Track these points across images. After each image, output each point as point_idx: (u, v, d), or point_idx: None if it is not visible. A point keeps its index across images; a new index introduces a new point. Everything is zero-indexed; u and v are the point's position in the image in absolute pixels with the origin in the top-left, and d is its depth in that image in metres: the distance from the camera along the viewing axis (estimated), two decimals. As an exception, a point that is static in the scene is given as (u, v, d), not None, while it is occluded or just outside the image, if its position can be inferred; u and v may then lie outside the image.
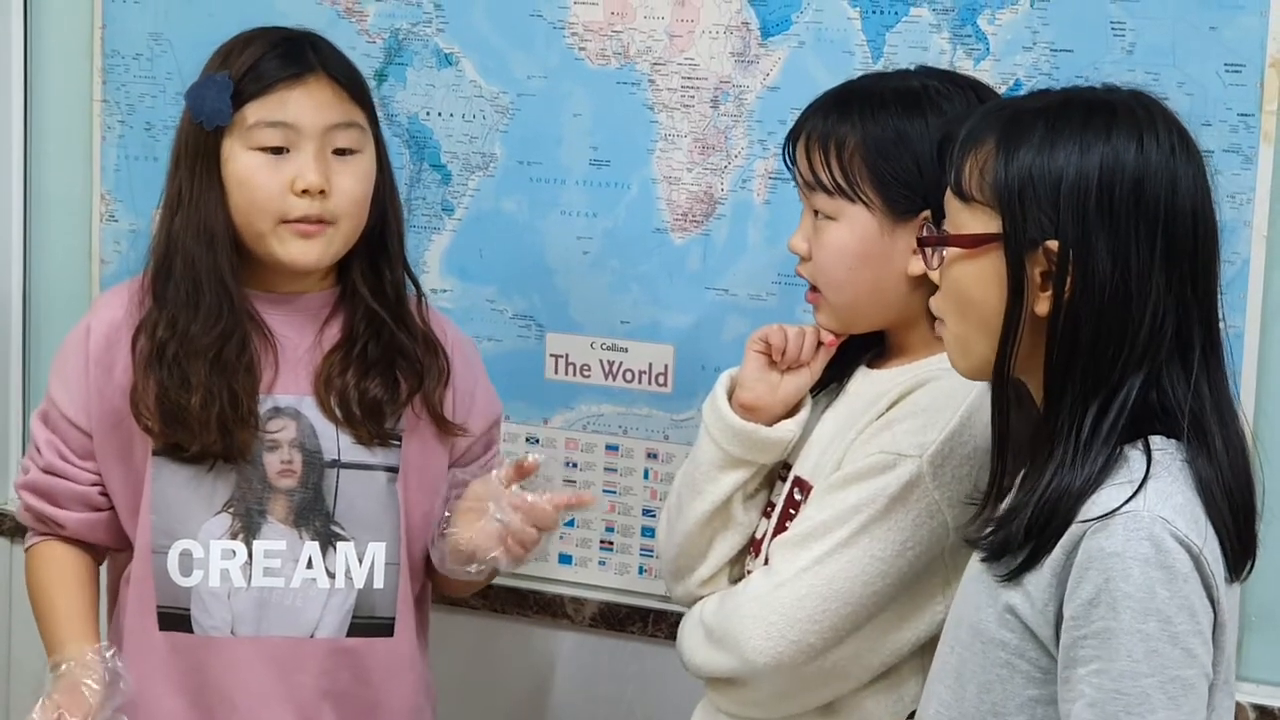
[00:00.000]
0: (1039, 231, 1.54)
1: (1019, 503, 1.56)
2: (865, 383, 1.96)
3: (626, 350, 2.42)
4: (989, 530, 1.58)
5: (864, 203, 1.88)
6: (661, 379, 2.40)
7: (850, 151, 1.88)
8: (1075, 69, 2.15)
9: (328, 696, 2.07)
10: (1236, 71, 2.11)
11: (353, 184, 2.03)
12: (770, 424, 1.95)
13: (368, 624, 2.07)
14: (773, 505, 2.00)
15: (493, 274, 2.48)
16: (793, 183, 1.96)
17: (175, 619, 2.05)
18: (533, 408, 2.48)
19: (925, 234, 1.64)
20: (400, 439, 2.08)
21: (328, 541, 2.06)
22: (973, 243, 1.57)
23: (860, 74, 2.03)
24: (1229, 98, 2.11)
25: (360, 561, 2.06)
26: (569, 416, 2.47)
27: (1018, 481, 1.60)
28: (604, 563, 2.47)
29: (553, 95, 2.42)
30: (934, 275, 1.63)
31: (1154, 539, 1.47)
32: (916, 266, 1.87)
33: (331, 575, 2.06)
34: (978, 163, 1.57)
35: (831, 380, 2.00)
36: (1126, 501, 1.48)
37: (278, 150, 2.01)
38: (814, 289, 1.94)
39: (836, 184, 1.89)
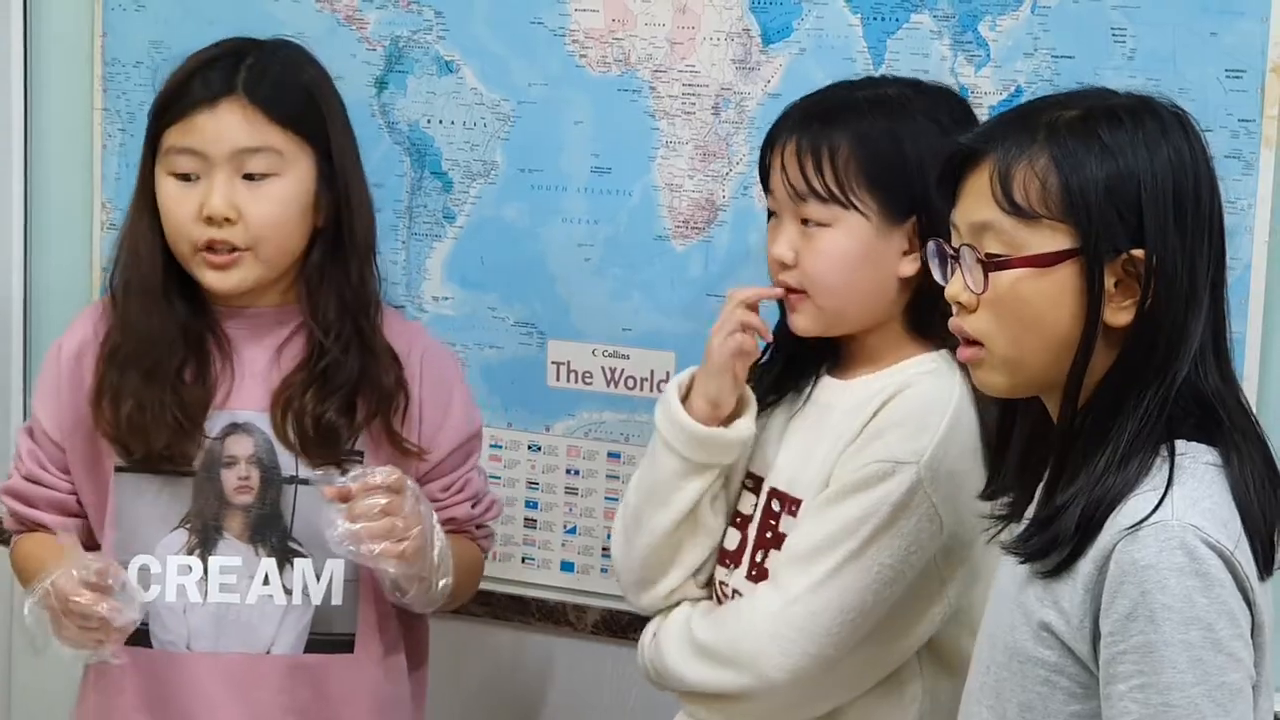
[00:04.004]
0: (1118, 241, 1.52)
1: (1067, 499, 1.53)
2: (836, 392, 1.97)
3: (628, 357, 2.42)
4: (1031, 532, 1.56)
5: (859, 209, 1.89)
6: (663, 386, 2.37)
7: (844, 158, 1.88)
8: (1076, 75, 2.15)
9: (287, 713, 2.06)
10: (1237, 77, 2.11)
11: (266, 209, 2.01)
12: (724, 423, 1.95)
13: (326, 641, 2.07)
14: (741, 515, 2.01)
15: (494, 281, 2.48)
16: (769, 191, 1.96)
17: (136, 633, 2.04)
18: (534, 415, 2.48)
19: (983, 258, 1.56)
20: (362, 454, 2.07)
21: (285, 558, 2.06)
22: (1049, 261, 1.53)
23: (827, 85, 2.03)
24: (1230, 103, 2.11)
25: (318, 578, 2.06)
26: (570, 424, 2.47)
27: (1046, 483, 1.59)
28: (606, 570, 2.47)
29: (554, 102, 2.42)
30: (967, 298, 1.58)
31: (1186, 547, 1.46)
32: (907, 269, 1.90)
33: (288, 592, 2.06)
34: (1035, 176, 1.54)
35: (788, 389, 2.01)
36: (1154, 511, 1.48)
37: (188, 176, 2.01)
38: (796, 291, 1.94)
39: (831, 191, 1.89)
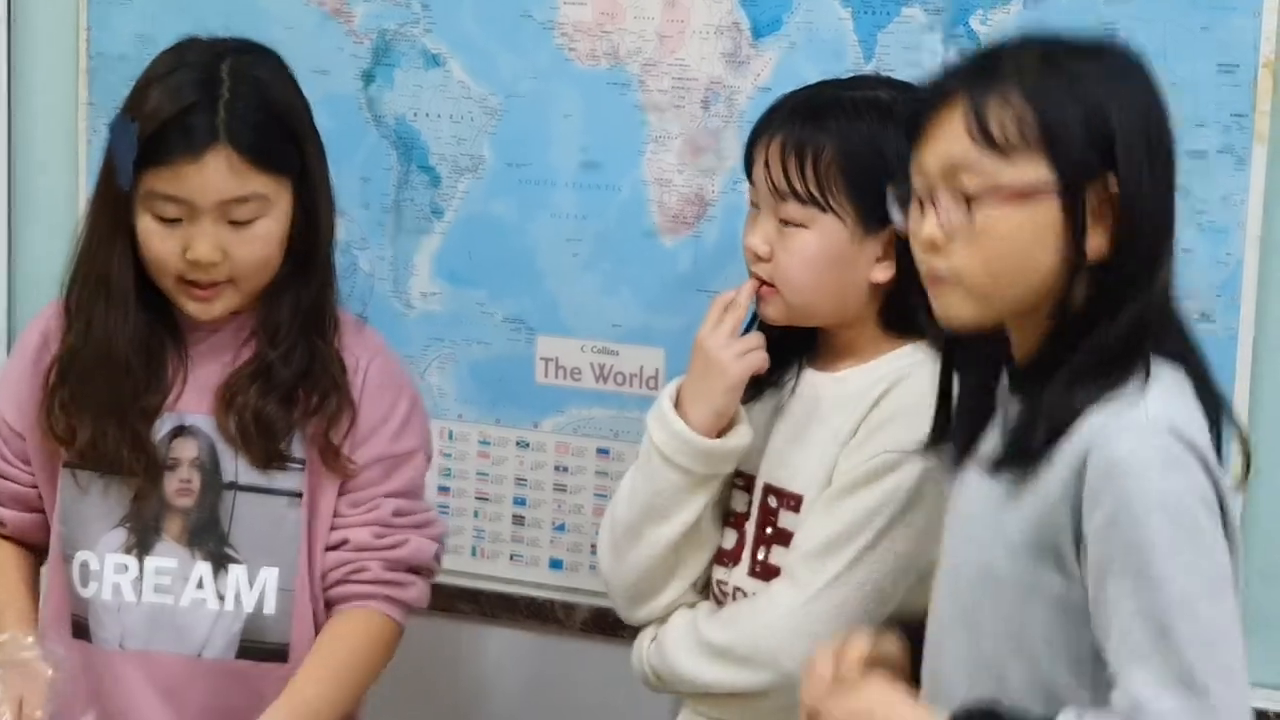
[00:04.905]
0: (1093, 170, 1.54)
1: (1037, 411, 1.56)
2: (821, 385, 1.98)
3: (617, 353, 2.41)
4: (1006, 448, 1.58)
5: (836, 214, 1.91)
6: (652, 382, 2.38)
7: (827, 162, 1.90)
8: (1068, 69, 2.14)
9: (217, 716, 2.05)
10: (1229, 72, 2.10)
11: (250, 251, 2.02)
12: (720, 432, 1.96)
13: (258, 648, 2.07)
14: (735, 514, 2.02)
15: (483, 277, 2.47)
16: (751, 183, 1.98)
17: (81, 627, 2.07)
18: (523, 411, 2.47)
19: (965, 192, 1.58)
20: (303, 462, 2.06)
21: (220, 563, 2.06)
22: (1029, 193, 1.54)
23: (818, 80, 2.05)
24: (1222, 98, 2.10)
25: (251, 585, 2.06)
26: (559, 420, 2.46)
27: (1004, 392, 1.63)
28: (594, 567, 2.45)
29: (542, 96, 2.40)
30: (938, 234, 1.59)
31: (1161, 442, 1.49)
32: (880, 275, 1.93)
33: (221, 597, 2.06)
34: (1008, 112, 1.55)
35: (767, 385, 2.01)
36: (1127, 412, 1.51)
37: (173, 219, 2.00)
38: (767, 284, 1.96)
39: (810, 194, 1.91)
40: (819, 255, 1.92)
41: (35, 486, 2.13)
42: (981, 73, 1.59)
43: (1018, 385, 1.62)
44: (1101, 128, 1.54)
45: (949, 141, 1.58)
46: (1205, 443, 1.53)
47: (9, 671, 1.95)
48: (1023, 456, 1.56)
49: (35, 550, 2.15)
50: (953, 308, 1.61)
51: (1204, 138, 2.10)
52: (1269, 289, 2.13)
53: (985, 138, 1.56)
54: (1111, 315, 1.55)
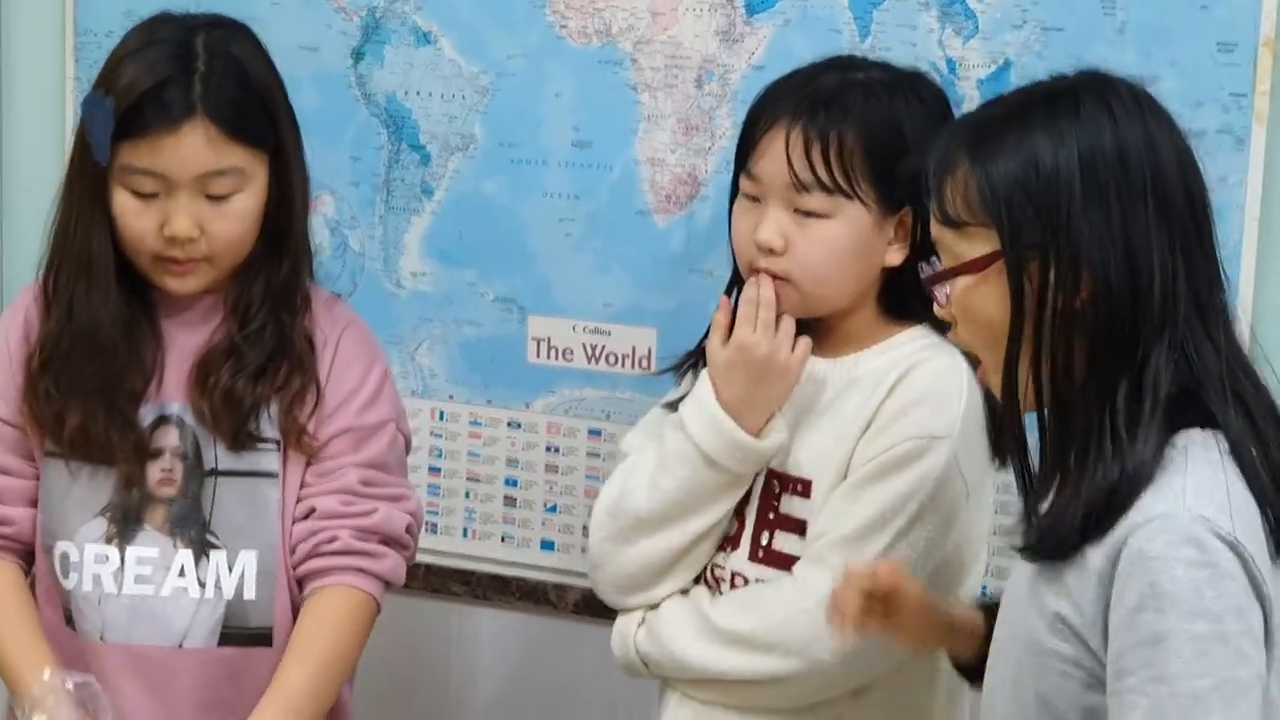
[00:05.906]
0: (1039, 234, 1.50)
1: (1067, 502, 1.52)
2: (824, 371, 1.96)
3: (609, 333, 2.39)
4: (1036, 536, 1.55)
5: (861, 200, 1.89)
6: (644, 362, 2.37)
7: (850, 148, 1.88)
8: (1066, 48, 2.12)
9: (203, 707, 2.03)
10: (1229, 51, 2.08)
11: (227, 226, 1.99)
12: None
13: (241, 634, 2.04)
14: None
15: (474, 257, 2.45)
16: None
17: (66, 617, 2.06)
18: (514, 392, 2.45)
19: (927, 274, 1.60)
20: (277, 442, 2.04)
21: (202, 550, 2.04)
22: (979, 266, 1.54)
23: (795, 69, 2.00)
24: (1221, 78, 2.08)
25: (230, 570, 2.03)
26: (551, 401, 2.44)
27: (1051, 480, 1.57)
28: (586, 549, 2.44)
29: (533, 75, 2.38)
30: (944, 313, 1.60)
31: (1196, 539, 1.44)
32: (893, 258, 1.92)
33: (202, 584, 2.03)
34: (958, 186, 1.54)
35: None
36: (1164, 503, 1.46)
37: (150, 194, 1.97)
38: (779, 278, 1.92)
39: (836, 183, 1.89)
40: (844, 243, 1.90)
41: (38, 479, 2.08)
42: (946, 144, 1.57)
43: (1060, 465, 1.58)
44: (1037, 189, 1.50)
45: (934, 221, 1.59)
46: (1247, 532, 1.47)
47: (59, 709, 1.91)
48: (1051, 556, 1.53)
49: (25, 556, 2.10)
50: (992, 382, 1.59)
51: (1203, 118, 2.07)
52: (1268, 270, 2.11)
53: (942, 214, 1.56)
54: (1107, 388, 1.51)
